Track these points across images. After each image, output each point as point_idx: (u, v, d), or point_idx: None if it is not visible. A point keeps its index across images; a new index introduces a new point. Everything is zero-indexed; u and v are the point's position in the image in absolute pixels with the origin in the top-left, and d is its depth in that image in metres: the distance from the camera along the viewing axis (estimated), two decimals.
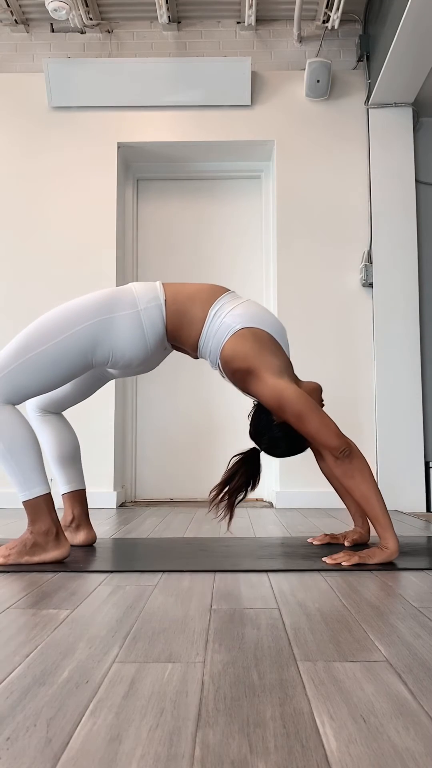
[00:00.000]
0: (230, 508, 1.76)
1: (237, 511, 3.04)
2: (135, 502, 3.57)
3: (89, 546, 1.91)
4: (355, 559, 1.59)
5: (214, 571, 1.54)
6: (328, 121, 3.43)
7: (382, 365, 3.26)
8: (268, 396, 1.68)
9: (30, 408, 1.94)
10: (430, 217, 3.41)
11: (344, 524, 2.48)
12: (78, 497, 1.93)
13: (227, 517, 1.76)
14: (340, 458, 1.63)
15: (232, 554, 1.76)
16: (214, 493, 1.77)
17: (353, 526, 2.04)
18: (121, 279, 3.54)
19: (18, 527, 2.44)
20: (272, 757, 0.63)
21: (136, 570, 1.54)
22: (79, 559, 1.68)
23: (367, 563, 1.59)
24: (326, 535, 1.97)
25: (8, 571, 1.53)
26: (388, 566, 1.58)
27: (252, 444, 1.85)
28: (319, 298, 3.32)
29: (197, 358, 1.84)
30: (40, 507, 1.63)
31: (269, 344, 1.73)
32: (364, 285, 3.32)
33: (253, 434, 1.84)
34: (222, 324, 1.71)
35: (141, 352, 1.70)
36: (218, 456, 3.64)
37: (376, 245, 3.31)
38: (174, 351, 1.86)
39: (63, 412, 2.01)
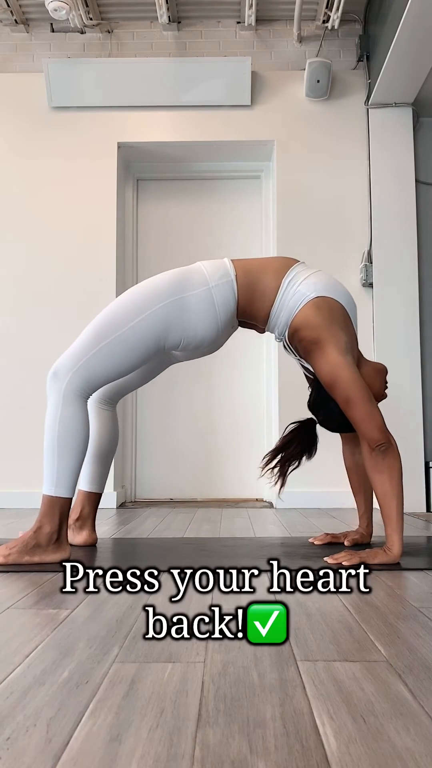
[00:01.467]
0: (282, 476, 1.77)
1: (237, 511, 3.04)
2: (135, 502, 3.57)
3: (89, 547, 1.91)
4: (355, 560, 1.59)
5: None
6: (328, 121, 3.43)
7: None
8: (325, 372, 1.66)
9: (90, 398, 1.94)
10: (430, 217, 3.41)
11: (344, 524, 2.48)
12: (93, 499, 1.93)
13: (279, 484, 1.77)
14: (376, 451, 1.61)
15: (232, 554, 1.76)
16: (267, 458, 1.78)
17: (355, 527, 2.04)
18: (121, 279, 3.54)
19: (18, 527, 2.44)
20: (272, 757, 0.63)
21: None
22: (80, 559, 1.68)
23: (368, 563, 1.59)
24: (327, 534, 1.97)
25: (8, 571, 1.53)
26: (389, 566, 1.58)
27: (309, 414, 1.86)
28: None
29: (263, 332, 1.85)
30: (55, 508, 1.63)
31: (340, 317, 1.72)
32: (364, 285, 3.32)
33: (312, 405, 1.83)
34: (296, 292, 1.70)
35: (212, 330, 1.69)
36: (218, 456, 3.64)
37: (376, 245, 3.31)
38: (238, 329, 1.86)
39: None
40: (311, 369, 1.78)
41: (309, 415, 1.88)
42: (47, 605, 1.23)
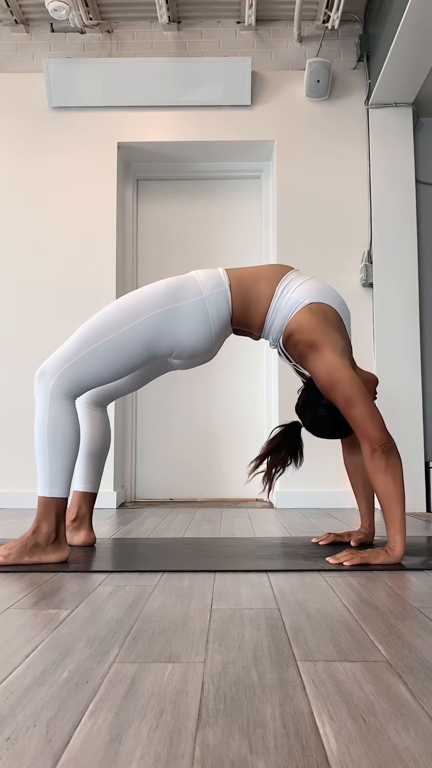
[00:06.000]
0: (269, 481, 1.78)
1: (237, 511, 3.04)
2: (135, 502, 3.57)
3: (89, 547, 1.91)
4: (356, 560, 1.59)
5: (214, 571, 1.54)
6: (328, 121, 3.43)
7: (382, 365, 3.26)
8: (323, 372, 1.66)
9: (80, 397, 1.93)
10: (430, 217, 3.41)
11: (344, 524, 2.48)
12: (88, 499, 1.93)
13: (266, 488, 1.78)
14: (379, 451, 1.59)
15: (232, 554, 1.76)
16: (254, 464, 1.79)
17: (356, 527, 2.03)
18: (121, 279, 3.54)
19: (18, 527, 2.44)
20: (272, 757, 0.63)
21: (136, 570, 1.54)
22: (79, 559, 1.68)
23: (369, 563, 1.59)
24: (330, 534, 1.97)
25: (8, 571, 1.53)
26: (389, 566, 1.58)
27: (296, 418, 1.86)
28: None
29: (258, 338, 1.85)
30: (51, 508, 1.63)
31: (335, 321, 1.73)
32: (364, 285, 3.32)
33: (299, 408, 1.82)
34: (290, 299, 1.72)
35: (206, 339, 1.70)
36: (218, 456, 3.64)
37: (376, 245, 3.31)
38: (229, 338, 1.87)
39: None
40: (306, 373, 1.78)
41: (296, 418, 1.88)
42: (47, 605, 1.23)
